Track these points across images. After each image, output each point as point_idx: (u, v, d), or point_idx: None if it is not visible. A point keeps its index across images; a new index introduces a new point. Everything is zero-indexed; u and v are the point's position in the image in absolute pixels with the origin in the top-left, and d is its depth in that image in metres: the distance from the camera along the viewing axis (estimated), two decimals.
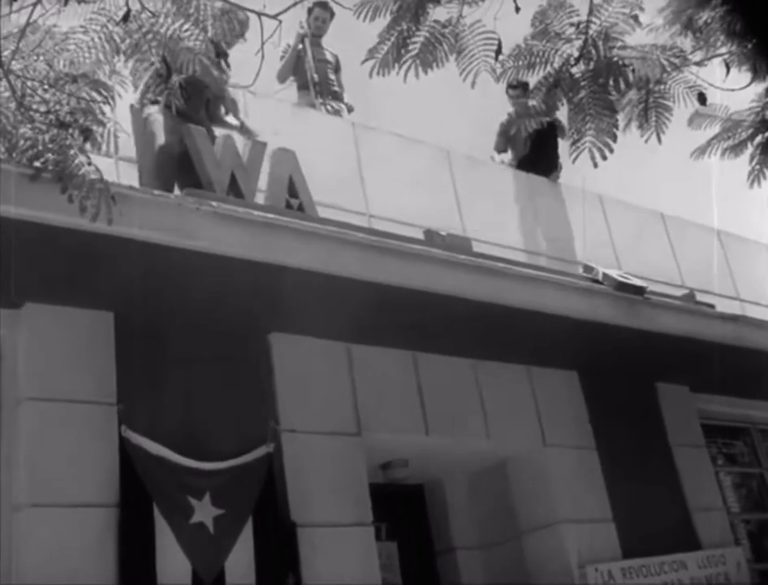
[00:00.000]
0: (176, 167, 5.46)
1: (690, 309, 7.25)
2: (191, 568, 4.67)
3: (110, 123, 3.59)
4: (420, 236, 6.36)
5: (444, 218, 7.08)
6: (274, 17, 3.61)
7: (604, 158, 3.90)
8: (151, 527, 4.65)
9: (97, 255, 4.46)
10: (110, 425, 4.75)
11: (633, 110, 4.22)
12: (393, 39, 4.01)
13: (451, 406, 6.31)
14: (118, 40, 3.26)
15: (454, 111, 9.27)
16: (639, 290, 6.76)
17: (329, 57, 8.39)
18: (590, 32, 3.89)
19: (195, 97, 5.08)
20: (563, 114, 4.04)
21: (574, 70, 3.94)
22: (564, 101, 3.96)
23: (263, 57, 3.92)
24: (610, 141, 3.90)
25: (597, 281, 6.81)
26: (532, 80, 3.99)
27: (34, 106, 3.44)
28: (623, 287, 6.67)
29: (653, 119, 4.17)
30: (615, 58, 3.91)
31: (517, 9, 3.80)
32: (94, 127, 3.45)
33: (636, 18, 4.03)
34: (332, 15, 8.35)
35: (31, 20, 3.37)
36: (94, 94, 3.41)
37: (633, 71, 3.91)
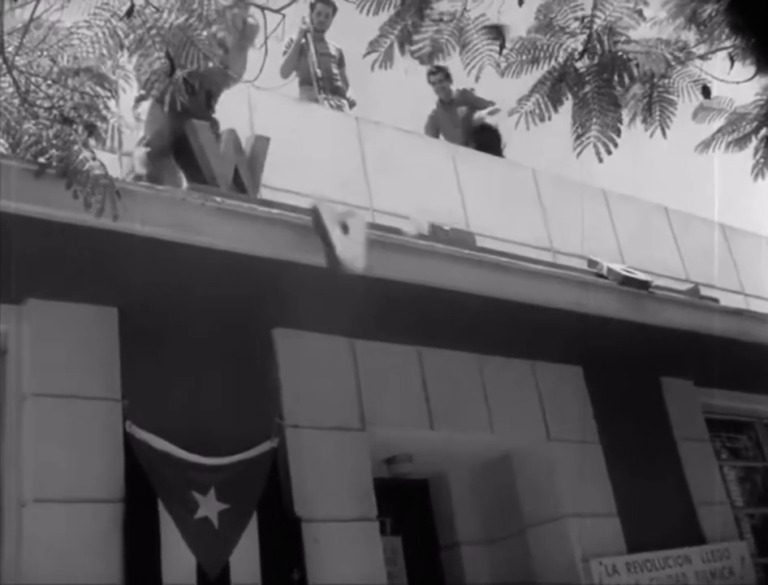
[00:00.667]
0: (165, 160, 5.42)
1: (694, 304, 7.24)
2: (196, 563, 4.68)
3: (114, 119, 3.59)
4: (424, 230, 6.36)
5: (448, 213, 7.07)
6: (278, 11, 3.61)
7: (609, 152, 3.89)
8: (156, 522, 4.66)
9: (101, 251, 4.47)
10: (115, 420, 4.76)
11: (637, 104, 4.20)
12: (396, 32, 4.01)
13: (456, 401, 6.31)
14: (122, 35, 3.25)
15: None
16: (643, 284, 6.75)
17: (332, 51, 8.39)
18: (595, 26, 3.87)
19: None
20: (566, 108, 4.03)
21: (578, 64, 3.93)
22: (569, 95, 3.95)
23: (266, 51, 3.92)
24: (614, 136, 3.88)
25: (601, 275, 6.81)
26: (537, 74, 3.99)
27: (38, 102, 3.44)
28: (627, 281, 6.67)
29: (658, 113, 4.16)
30: (620, 53, 3.89)
31: (521, 2, 3.79)
32: (98, 123, 3.45)
33: (640, 12, 4.02)
34: (334, 9, 8.35)
35: (34, 16, 3.37)
36: (98, 89, 3.41)
37: (638, 65, 3.90)
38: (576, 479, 6.63)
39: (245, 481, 5.02)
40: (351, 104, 8.28)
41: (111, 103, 3.52)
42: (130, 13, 3.18)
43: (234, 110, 6.07)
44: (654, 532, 6.68)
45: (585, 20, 3.90)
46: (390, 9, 3.95)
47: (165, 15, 3.27)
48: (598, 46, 3.92)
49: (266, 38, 3.62)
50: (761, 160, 4.95)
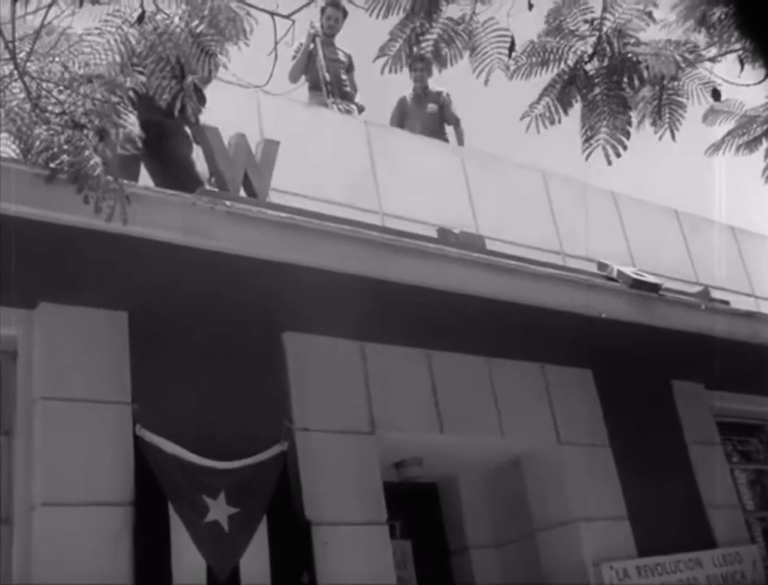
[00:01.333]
0: (139, 162, 5.37)
1: (704, 306, 7.21)
2: (206, 566, 4.69)
3: (124, 124, 3.60)
4: (434, 234, 6.36)
5: (457, 216, 7.07)
6: (288, 17, 3.61)
7: (618, 155, 3.89)
8: (166, 526, 4.67)
9: (111, 255, 4.48)
10: (125, 424, 4.77)
11: (647, 106, 4.20)
12: (405, 36, 4.01)
13: (465, 404, 6.31)
14: (133, 41, 3.26)
15: (466, 109, 9.23)
16: (653, 287, 6.74)
17: (341, 56, 8.39)
18: (604, 28, 3.87)
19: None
20: (576, 111, 4.02)
21: (588, 67, 3.93)
22: (578, 98, 3.94)
23: (276, 57, 3.93)
24: (623, 139, 3.88)
25: (611, 278, 6.79)
26: (546, 77, 3.98)
27: (49, 108, 3.45)
28: (637, 284, 6.65)
29: (667, 115, 4.15)
30: (629, 55, 3.89)
31: (530, 6, 3.79)
32: (110, 129, 3.46)
33: (650, 14, 4.01)
34: (345, 14, 8.35)
35: (46, 22, 3.38)
36: (110, 96, 3.42)
37: (647, 67, 3.89)
38: (586, 483, 6.63)
39: (255, 484, 5.02)
40: (360, 109, 8.28)
41: (122, 109, 3.53)
42: (141, 19, 3.19)
43: (243, 115, 6.09)
44: (665, 536, 6.65)
45: (595, 23, 3.90)
46: (400, 13, 3.95)
47: (176, 21, 3.28)
48: (608, 49, 3.92)
49: (276, 43, 3.63)
50: None
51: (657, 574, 6.48)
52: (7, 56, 3.37)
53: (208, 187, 5.36)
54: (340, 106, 8.00)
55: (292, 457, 5.27)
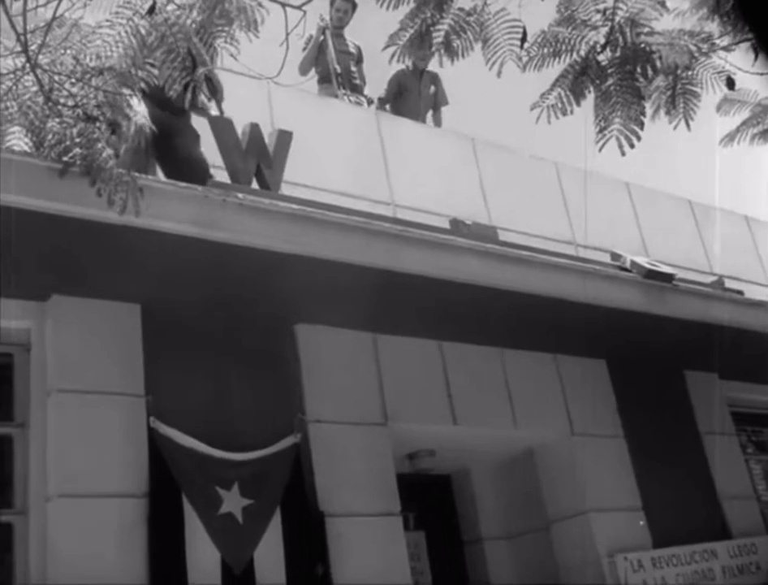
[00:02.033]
0: (152, 152, 5.37)
1: (718, 296, 7.18)
2: (220, 558, 4.70)
3: (137, 117, 3.60)
4: (446, 225, 6.35)
5: (469, 207, 7.05)
6: (299, 8, 3.60)
7: (632, 145, 3.86)
8: (180, 517, 4.68)
9: (123, 247, 4.49)
10: (139, 416, 4.79)
11: (661, 97, 4.16)
12: (416, 26, 3.98)
13: (478, 396, 6.30)
14: (144, 33, 3.26)
15: (477, 98, 9.19)
16: (667, 277, 6.71)
17: (351, 48, 8.36)
18: (617, 18, 3.83)
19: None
20: (589, 102, 3.99)
21: (601, 57, 3.89)
22: (591, 88, 3.92)
23: (288, 48, 3.91)
24: (637, 129, 3.85)
25: (625, 269, 6.77)
26: (558, 67, 3.95)
27: (62, 100, 3.45)
28: (651, 274, 6.63)
29: (681, 105, 4.11)
30: (642, 45, 3.85)
31: None
32: (122, 121, 3.46)
33: (663, 3, 3.98)
34: (354, 6, 8.31)
35: (57, 14, 3.38)
36: (121, 88, 3.41)
37: (661, 57, 3.86)
38: (599, 474, 6.62)
39: (268, 476, 5.03)
40: (369, 101, 8.24)
41: (134, 101, 3.53)
42: (152, 10, 3.18)
43: (255, 106, 6.08)
44: (680, 527, 6.64)
45: (607, 12, 3.86)
46: (410, 3, 3.93)
47: (186, 11, 3.28)
48: (620, 39, 3.88)
49: (287, 34, 3.62)
50: None
51: (672, 565, 6.46)
52: (19, 49, 3.37)
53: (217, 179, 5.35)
54: (351, 98, 7.97)
55: (305, 448, 5.28)
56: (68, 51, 3.41)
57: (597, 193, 8.17)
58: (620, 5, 3.87)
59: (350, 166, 6.45)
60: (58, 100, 3.42)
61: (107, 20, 3.27)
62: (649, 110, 4.05)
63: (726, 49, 4.16)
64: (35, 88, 3.45)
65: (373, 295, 5.30)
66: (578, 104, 3.95)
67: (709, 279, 7.94)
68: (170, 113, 5.10)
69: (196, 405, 4.99)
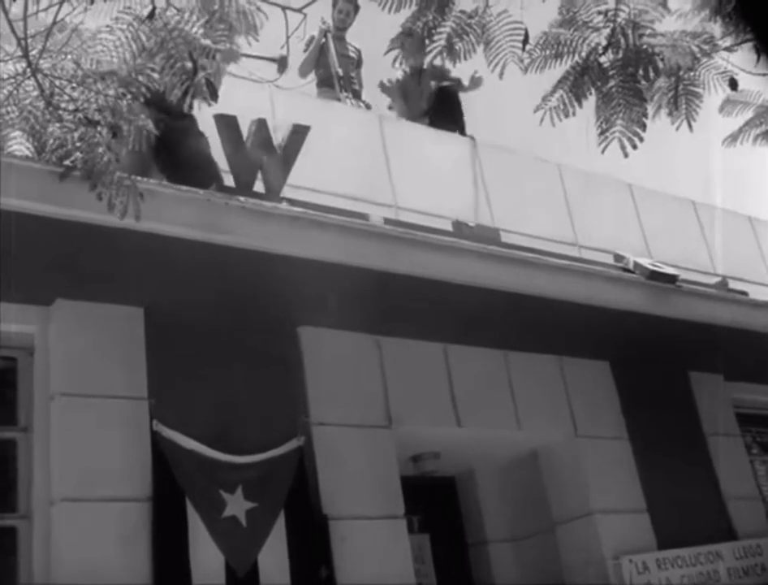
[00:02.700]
0: (153, 156, 5.36)
1: (723, 297, 7.17)
2: (224, 561, 4.70)
3: (137, 120, 3.60)
4: (449, 227, 6.34)
5: (472, 208, 7.05)
6: (299, 10, 3.60)
7: (634, 147, 3.86)
8: (184, 521, 4.68)
9: (126, 251, 4.49)
10: (142, 420, 4.79)
11: (662, 97, 4.16)
12: (418, 30, 3.98)
13: (482, 398, 6.30)
14: (144, 38, 3.26)
15: (479, 101, 9.15)
16: (671, 278, 6.70)
17: (351, 52, 8.33)
18: (618, 20, 3.83)
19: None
20: (590, 104, 3.99)
21: (602, 59, 3.89)
22: (592, 90, 3.92)
23: (288, 50, 3.92)
24: (639, 131, 3.85)
25: (628, 270, 6.76)
26: (561, 69, 3.95)
27: (62, 105, 3.45)
28: (654, 275, 6.62)
29: (684, 106, 4.11)
30: (645, 46, 3.85)
31: None
32: (122, 125, 3.46)
33: (664, 4, 3.98)
34: (356, 7, 8.28)
35: (58, 19, 3.38)
36: (121, 92, 3.42)
37: (663, 58, 3.85)
38: (604, 476, 6.60)
39: (272, 479, 5.03)
40: (368, 107, 8.20)
41: (135, 105, 3.53)
42: (152, 16, 3.19)
43: (257, 109, 6.07)
44: (685, 528, 6.62)
45: (609, 14, 3.86)
46: (412, 6, 3.93)
47: (186, 16, 3.28)
48: (622, 40, 3.88)
49: (288, 37, 3.62)
50: None
51: (677, 567, 6.45)
52: (20, 54, 3.38)
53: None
54: (352, 102, 7.96)
55: (309, 451, 5.28)
56: (69, 56, 3.41)
57: (599, 195, 8.17)
58: (622, 6, 3.87)
59: (352, 169, 6.45)
60: (58, 104, 3.43)
61: (107, 25, 3.27)
62: (650, 111, 4.05)
63: (728, 49, 4.15)
64: (36, 93, 3.46)
65: (376, 297, 5.30)
66: (580, 106, 3.95)
67: (713, 279, 7.92)
68: (171, 117, 5.10)
69: (199, 408, 4.99)
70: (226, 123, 5.49)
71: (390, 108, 8.52)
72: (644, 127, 3.85)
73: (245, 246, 4.69)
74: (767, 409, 8.48)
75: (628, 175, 8.43)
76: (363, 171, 6.62)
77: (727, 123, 5.05)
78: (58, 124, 3.51)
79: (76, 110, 3.49)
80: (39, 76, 3.39)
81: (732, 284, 7.83)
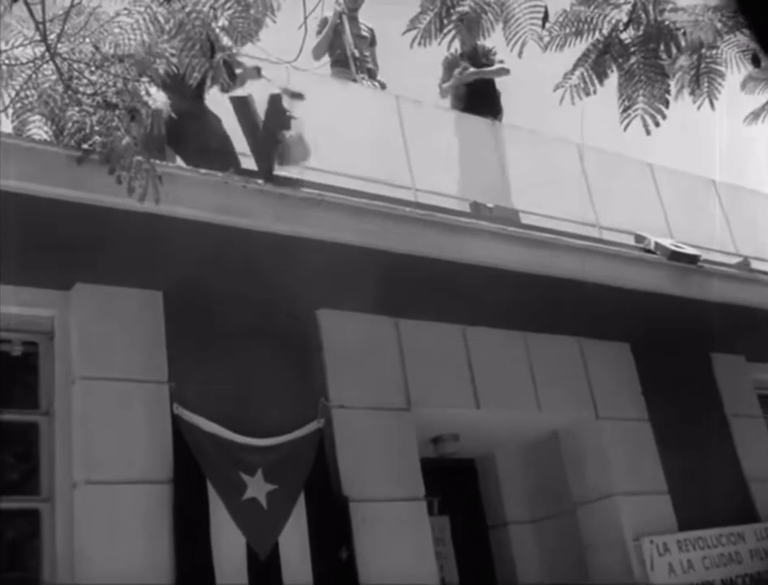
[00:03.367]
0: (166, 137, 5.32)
1: (744, 277, 7.11)
2: (245, 543, 4.72)
3: (154, 103, 3.59)
4: (467, 208, 6.31)
5: (491, 190, 7.01)
6: None
7: (657, 124, 3.81)
8: (205, 503, 4.70)
9: (145, 235, 4.49)
10: (162, 403, 4.81)
11: (684, 76, 4.11)
12: (436, 9, 3.94)
13: (502, 379, 6.28)
14: (162, 20, 3.25)
15: (498, 81, 9.06)
16: (692, 259, 6.65)
17: (364, 31, 8.27)
18: None
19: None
20: (612, 81, 3.94)
21: (623, 36, 3.84)
22: (614, 67, 3.87)
23: (306, 31, 3.90)
24: (662, 107, 3.80)
25: (649, 251, 6.71)
26: (581, 47, 3.90)
27: (81, 89, 3.44)
28: (675, 256, 6.56)
29: (706, 84, 4.06)
30: (666, 22, 3.80)
31: None
32: (140, 108, 3.45)
33: None
34: None
35: (75, 2, 3.37)
36: (139, 75, 3.41)
37: (685, 34, 3.80)
38: (625, 457, 6.58)
39: (292, 462, 5.04)
40: (383, 86, 8.14)
41: (153, 89, 3.52)
42: None
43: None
44: (706, 510, 6.60)
45: None
46: None
47: None
48: (643, 16, 3.83)
49: (305, 18, 3.59)
50: None
51: (699, 548, 6.42)
52: (38, 38, 3.37)
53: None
54: (368, 82, 7.90)
55: (329, 434, 5.28)
56: (87, 39, 3.40)
57: (620, 175, 8.10)
58: None
59: (370, 151, 6.41)
60: (77, 88, 3.42)
61: (125, 8, 3.26)
62: (673, 90, 4.00)
63: None
64: (54, 77, 3.45)
65: (395, 279, 5.28)
66: (601, 84, 3.90)
67: (735, 260, 7.85)
68: (188, 99, 5.08)
69: (220, 391, 5.00)
70: (241, 103, 5.45)
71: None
72: (666, 103, 3.80)
73: (263, 229, 4.68)
74: None
75: (649, 155, 8.36)
76: (381, 152, 6.59)
77: (749, 100, 4.99)
78: (76, 108, 3.50)
79: (95, 93, 3.48)
80: (57, 60, 3.38)
81: (754, 264, 7.76)
